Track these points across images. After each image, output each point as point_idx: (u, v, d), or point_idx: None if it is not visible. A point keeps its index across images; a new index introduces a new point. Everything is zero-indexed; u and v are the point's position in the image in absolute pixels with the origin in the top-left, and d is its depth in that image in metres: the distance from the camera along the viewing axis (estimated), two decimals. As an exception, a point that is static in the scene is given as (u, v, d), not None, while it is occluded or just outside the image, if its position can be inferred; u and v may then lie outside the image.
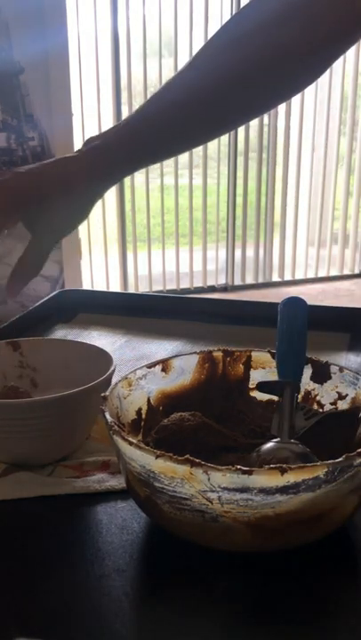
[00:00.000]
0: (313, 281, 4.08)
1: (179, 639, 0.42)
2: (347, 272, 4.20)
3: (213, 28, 3.49)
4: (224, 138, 3.70)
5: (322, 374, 0.61)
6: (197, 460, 0.42)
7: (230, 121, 0.65)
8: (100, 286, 3.55)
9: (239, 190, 3.84)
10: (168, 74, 3.51)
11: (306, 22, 0.57)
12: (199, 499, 0.43)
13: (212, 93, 0.60)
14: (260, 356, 0.64)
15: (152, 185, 3.65)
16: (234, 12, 3.44)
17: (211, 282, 3.90)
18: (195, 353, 0.63)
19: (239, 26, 0.61)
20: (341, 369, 0.60)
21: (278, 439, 0.53)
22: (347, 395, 0.59)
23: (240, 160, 3.79)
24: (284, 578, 0.46)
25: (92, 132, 3.36)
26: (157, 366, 0.61)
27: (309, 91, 3.73)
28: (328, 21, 0.57)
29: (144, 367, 0.60)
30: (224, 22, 0.62)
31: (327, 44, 0.58)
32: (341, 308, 1.02)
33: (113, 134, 0.62)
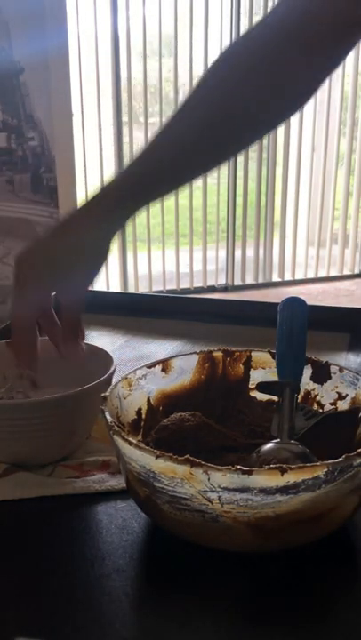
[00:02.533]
0: (313, 281, 4.08)
1: (179, 639, 0.42)
2: (347, 272, 4.20)
3: (213, 28, 3.48)
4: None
5: (322, 374, 0.61)
6: (197, 460, 0.42)
7: (233, 150, 0.64)
8: (100, 286, 3.55)
9: (239, 190, 3.84)
10: (168, 74, 3.52)
11: (305, 41, 0.57)
12: (199, 499, 0.43)
13: (219, 128, 0.59)
14: (260, 356, 0.64)
15: (152, 185, 3.64)
16: (234, 12, 3.44)
17: (211, 282, 3.90)
18: (195, 353, 0.63)
19: (237, 57, 0.61)
20: (341, 369, 0.60)
21: (278, 440, 0.53)
22: (347, 395, 0.59)
23: (240, 160, 3.79)
24: (284, 578, 0.46)
25: (92, 131, 3.37)
26: (157, 366, 0.61)
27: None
28: (326, 38, 0.57)
29: (144, 367, 0.60)
30: (227, 24, 0.62)
31: (325, 56, 0.58)
32: (341, 307, 1.02)
33: (118, 183, 0.61)
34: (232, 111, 0.59)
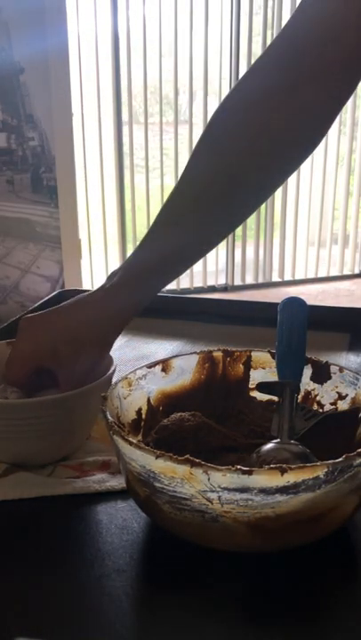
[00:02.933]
0: (313, 281, 4.08)
1: (179, 639, 0.42)
2: (347, 272, 4.20)
3: (213, 29, 3.47)
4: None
5: (322, 374, 0.61)
6: (197, 460, 0.42)
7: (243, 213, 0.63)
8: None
9: (239, 190, 3.83)
10: (168, 74, 3.52)
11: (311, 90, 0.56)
12: (199, 499, 0.43)
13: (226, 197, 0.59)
14: (260, 356, 0.64)
15: (152, 185, 3.65)
16: (234, 12, 3.44)
17: (211, 282, 3.90)
18: (195, 353, 0.63)
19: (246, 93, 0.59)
20: (341, 369, 0.60)
21: (278, 440, 0.53)
22: (347, 395, 0.59)
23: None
24: (285, 578, 0.46)
25: (92, 131, 3.37)
26: (157, 366, 0.61)
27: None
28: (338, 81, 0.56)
29: (144, 367, 0.60)
30: (227, 24, 0.61)
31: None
32: (341, 308, 1.02)
33: (129, 272, 0.61)
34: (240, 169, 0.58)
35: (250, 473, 0.41)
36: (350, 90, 0.57)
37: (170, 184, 3.68)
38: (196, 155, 0.59)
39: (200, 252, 0.63)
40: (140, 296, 0.61)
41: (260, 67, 0.58)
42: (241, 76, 0.60)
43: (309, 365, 0.61)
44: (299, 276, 4.09)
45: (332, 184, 4.07)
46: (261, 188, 0.60)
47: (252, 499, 0.42)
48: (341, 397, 0.60)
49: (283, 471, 0.41)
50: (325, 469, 0.42)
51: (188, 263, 0.62)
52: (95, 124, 3.40)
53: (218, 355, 0.63)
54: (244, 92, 0.59)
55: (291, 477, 0.41)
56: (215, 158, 0.58)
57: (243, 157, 0.58)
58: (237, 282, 3.95)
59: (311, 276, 4.11)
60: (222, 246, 3.89)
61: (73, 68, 3.06)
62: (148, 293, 0.61)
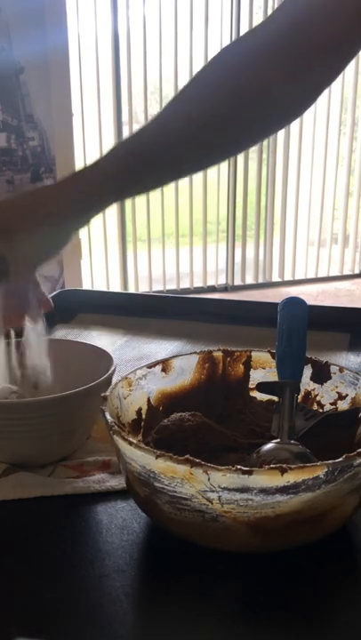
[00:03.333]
0: (313, 281, 4.08)
1: (179, 639, 0.42)
2: (347, 272, 4.20)
3: (213, 28, 3.48)
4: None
5: (322, 374, 0.61)
6: (197, 460, 0.42)
7: (224, 150, 0.64)
8: (100, 286, 3.55)
9: (239, 190, 3.84)
10: (168, 74, 3.52)
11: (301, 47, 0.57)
12: (199, 499, 0.43)
13: (209, 121, 0.60)
14: (260, 356, 0.64)
15: (152, 185, 3.64)
16: (234, 12, 3.44)
17: (211, 282, 3.90)
18: (195, 353, 0.63)
19: (231, 57, 0.61)
20: (341, 369, 0.60)
21: (278, 440, 0.53)
22: (347, 395, 0.59)
23: (240, 160, 3.79)
24: (285, 578, 0.46)
25: (92, 131, 3.37)
26: (157, 366, 0.61)
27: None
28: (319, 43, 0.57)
29: (144, 367, 0.60)
30: (227, 24, 0.63)
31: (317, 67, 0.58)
32: (341, 307, 1.02)
33: (98, 164, 0.60)
34: (223, 109, 0.59)
35: (250, 473, 0.41)
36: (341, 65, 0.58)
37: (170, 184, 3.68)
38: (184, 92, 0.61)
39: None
40: (114, 192, 0.60)
41: (260, 29, 0.60)
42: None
43: (309, 365, 0.61)
44: (299, 276, 4.09)
45: (332, 184, 4.07)
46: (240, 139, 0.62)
47: (252, 499, 0.42)
48: (341, 397, 0.60)
49: (283, 471, 0.41)
50: (325, 469, 0.42)
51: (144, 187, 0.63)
52: (95, 124, 3.40)
53: (218, 355, 0.63)
54: (243, 46, 0.61)
55: (291, 477, 0.41)
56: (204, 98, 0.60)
57: (230, 104, 0.59)
58: (237, 282, 3.95)
59: (311, 276, 4.11)
60: (222, 246, 3.90)
61: (73, 68, 3.06)
62: (125, 189, 0.61)
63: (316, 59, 0.57)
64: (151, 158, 0.60)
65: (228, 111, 0.59)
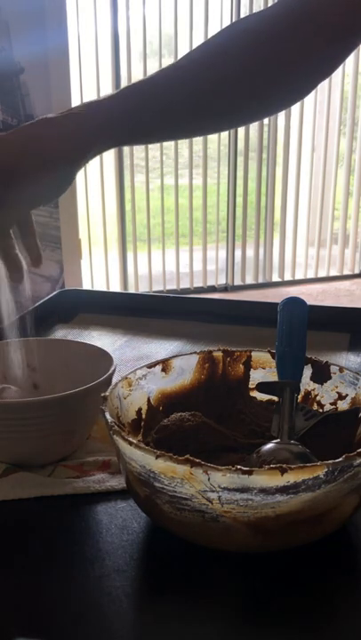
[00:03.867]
0: (313, 281, 4.08)
1: (179, 639, 0.42)
2: (347, 272, 4.20)
3: (213, 28, 3.48)
4: (224, 138, 3.70)
5: (322, 374, 0.61)
6: (197, 460, 0.42)
7: (235, 115, 0.64)
8: (100, 286, 3.55)
9: (239, 190, 3.84)
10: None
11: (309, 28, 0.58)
12: (199, 499, 0.43)
13: (220, 83, 0.59)
14: (260, 356, 0.63)
15: (152, 185, 3.65)
16: (234, 12, 3.44)
17: (211, 282, 3.90)
18: (195, 353, 0.63)
19: (244, 27, 0.62)
20: (341, 369, 0.60)
21: (278, 440, 0.53)
22: (347, 395, 0.59)
23: (240, 160, 3.79)
24: (285, 578, 0.46)
25: (92, 131, 3.37)
26: (157, 366, 0.61)
27: (310, 91, 3.73)
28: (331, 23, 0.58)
29: (144, 367, 0.60)
30: (227, 24, 0.63)
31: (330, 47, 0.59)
32: (341, 307, 1.02)
33: (103, 102, 0.58)
34: (225, 77, 0.59)
35: (250, 473, 0.41)
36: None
37: (170, 184, 3.69)
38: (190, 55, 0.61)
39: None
40: (117, 136, 0.58)
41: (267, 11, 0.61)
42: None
43: (309, 365, 0.61)
44: (299, 276, 4.08)
45: (332, 184, 4.07)
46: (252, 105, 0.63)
47: (253, 499, 0.42)
48: (341, 397, 0.60)
49: (283, 471, 0.41)
50: (325, 469, 0.42)
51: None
52: (95, 124, 3.39)
53: (218, 355, 0.63)
54: (250, 21, 0.62)
55: (291, 477, 0.41)
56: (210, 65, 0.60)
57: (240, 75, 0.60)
58: (237, 282, 3.95)
59: (311, 276, 4.11)
60: (222, 246, 3.89)
61: (73, 69, 3.06)
62: (128, 135, 0.59)
63: (334, 32, 0.58)
64: (163, 104, 0.59)
65: (252, 76, 0.59)
